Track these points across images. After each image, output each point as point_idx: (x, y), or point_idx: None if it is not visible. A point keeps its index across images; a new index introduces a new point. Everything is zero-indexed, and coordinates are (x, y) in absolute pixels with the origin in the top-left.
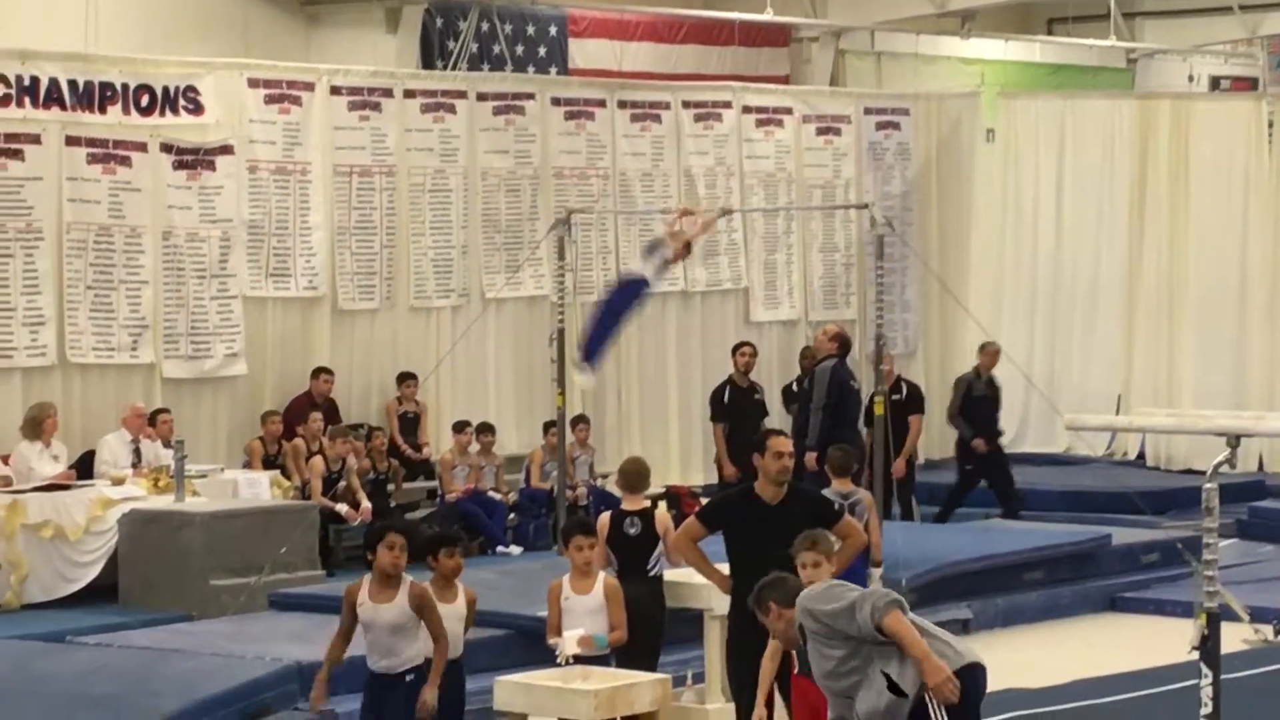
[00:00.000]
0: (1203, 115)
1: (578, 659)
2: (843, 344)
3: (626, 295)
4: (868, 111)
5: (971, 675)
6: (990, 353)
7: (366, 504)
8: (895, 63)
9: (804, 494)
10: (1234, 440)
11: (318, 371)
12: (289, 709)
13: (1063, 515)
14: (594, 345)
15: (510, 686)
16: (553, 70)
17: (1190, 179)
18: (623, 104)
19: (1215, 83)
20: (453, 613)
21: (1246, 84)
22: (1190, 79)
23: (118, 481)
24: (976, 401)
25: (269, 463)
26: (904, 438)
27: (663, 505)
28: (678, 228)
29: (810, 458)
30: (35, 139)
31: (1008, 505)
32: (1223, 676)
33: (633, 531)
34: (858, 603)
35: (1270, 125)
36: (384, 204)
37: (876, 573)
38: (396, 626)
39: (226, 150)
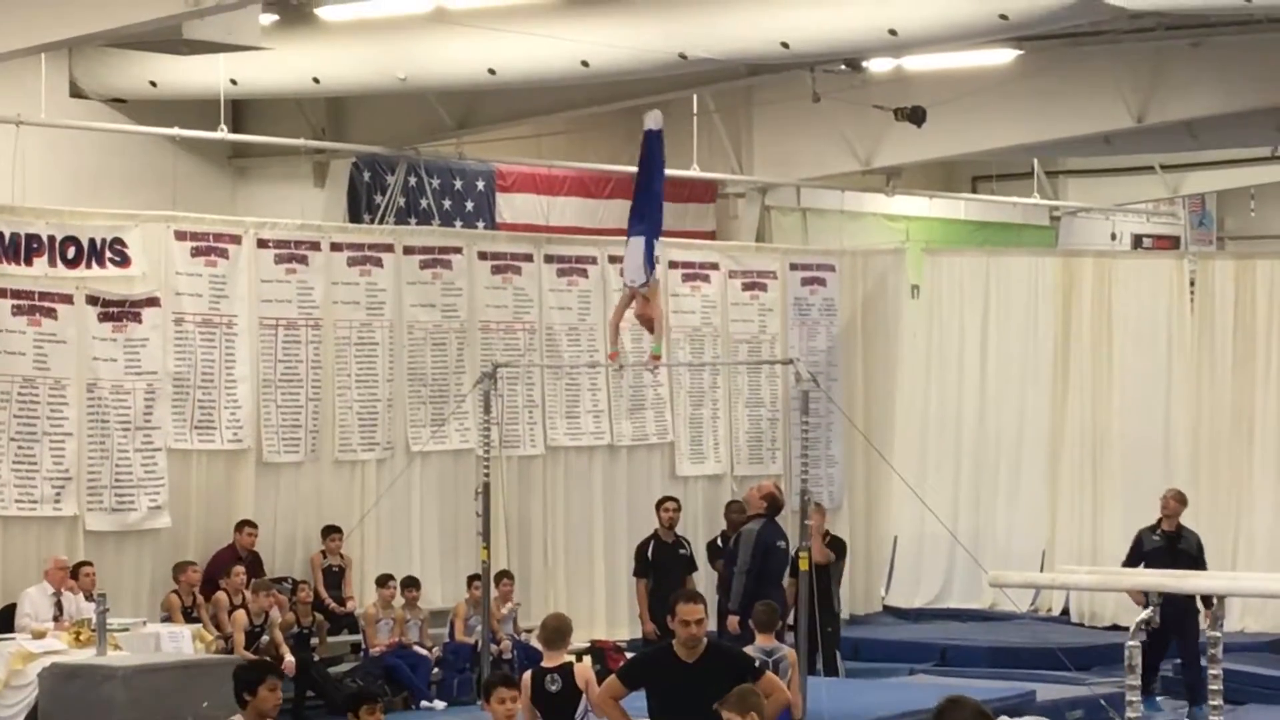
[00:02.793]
0: (1125, 273)
1: None
2: (772, 504)
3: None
4: (793, 267)
5: None
6: (1168, 499)
7: (290, 658)
8: (821, 219)
9: (723, 652)
10: (1156, 598)
11: (242, 524)
12: None
13: (987, 671)
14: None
15: None
16: (480, 224)
17: (1113, 336)
18: (549, 258)
19: (1137, 241)
20: None
21: (1168, 242)
22: (1113, 237)
23: (39, 635)
24: (1148, 555)
25: (186, 615)
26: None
27: (587, 660)
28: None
29: (732, 621)
30: None
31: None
32: None
33: (553, 688)
34: None
35: (1192, 283)
36: (310, 356)
37: None
38: None
39: (152, 302)
